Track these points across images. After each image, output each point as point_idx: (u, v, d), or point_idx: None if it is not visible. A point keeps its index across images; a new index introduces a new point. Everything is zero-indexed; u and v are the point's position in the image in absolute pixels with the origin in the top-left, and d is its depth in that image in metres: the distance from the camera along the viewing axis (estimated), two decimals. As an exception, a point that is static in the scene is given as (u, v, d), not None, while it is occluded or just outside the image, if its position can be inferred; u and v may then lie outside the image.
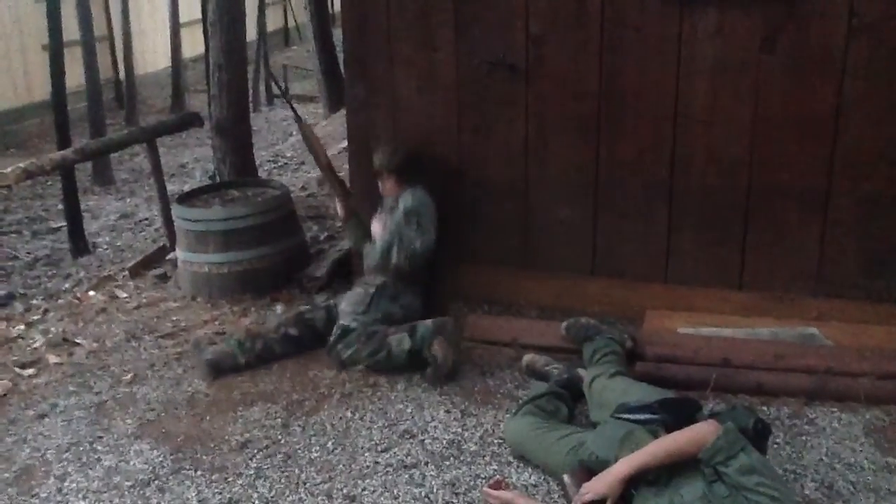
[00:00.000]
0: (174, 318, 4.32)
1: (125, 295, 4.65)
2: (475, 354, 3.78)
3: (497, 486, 2.77)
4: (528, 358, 3.60)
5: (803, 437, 3.09)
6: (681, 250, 3.93)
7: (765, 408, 3.25)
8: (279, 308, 4.36)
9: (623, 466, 2.43)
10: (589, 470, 2.62)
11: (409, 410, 3.35)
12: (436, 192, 3.96)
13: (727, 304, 3.91)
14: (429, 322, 3.70)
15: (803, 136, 3.62)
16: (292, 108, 4.78)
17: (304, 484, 2.92)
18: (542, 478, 2.88)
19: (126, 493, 2.92)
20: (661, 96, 3.75)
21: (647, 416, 2.66)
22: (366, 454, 3.08)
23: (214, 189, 4.97)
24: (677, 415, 2.64)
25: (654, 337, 3.67)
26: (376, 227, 3.94)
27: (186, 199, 4.76)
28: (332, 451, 3.11)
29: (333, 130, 10.57)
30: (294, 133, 10.00)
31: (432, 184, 3.98)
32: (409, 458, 3.04)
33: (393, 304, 3.83)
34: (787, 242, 3.77)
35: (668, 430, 2.54)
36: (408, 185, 3.93)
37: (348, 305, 3.81)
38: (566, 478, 2.65)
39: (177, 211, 4.62)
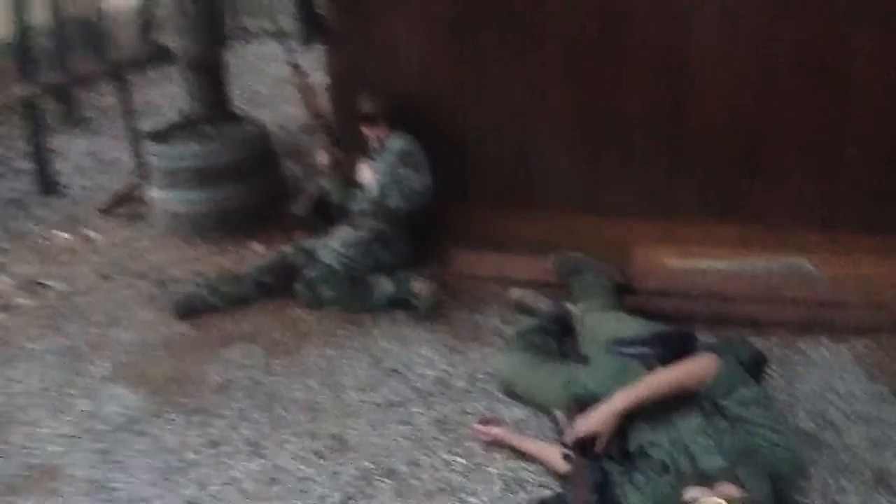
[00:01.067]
0: (148, 258, 4.18)
1: (96, 235, 4.48)
2: (461, 290, 3.68)
3: (486, 422, 2.70)
4: (515, 293, 3.51)
5: (795, 368, 3.05)
6: (677, 188, 3.84)
7: (756, 339, 3.18)
8: (257, 247, 4.22)
9: (618, 401, 2.35)
10: (582, 405, 2.55)
11: (393, 349, 3.26)
12: (428, 131, 3.81)
13: (720, 238, 3.82)
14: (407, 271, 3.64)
15: (807, 76, 3.53)
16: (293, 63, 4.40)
17: (289, 425, 2.83)
18: (533, 412, 2.81)
19: (103, 437, 2.82)
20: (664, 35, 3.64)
21: (643, 349, 2.58)
22: (350, 393, 2.99)
23: (189, 126, 4.77)
24: (672, 348, 2.56)
25: (645, 271, 3.59)
26: (366, 173, 3.75)
27: (160, 136, 4.56)
28: (316, 390, 3.02)
29: (309, 66, 10.32)
30: (267, 70, 9.72)
31: (425, 123, 3.83)
32: (395, 396, 2.96)
33: (384, 252, 3.71)
34: (785, 178, 3.69)
35: (664, 364, 2.47)
36: (396, 129, 3.79)
37: (340, 245, 3.67)
38: (558, 413, 2.57)
39: (150, 148, 4.43)
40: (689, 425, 2.25)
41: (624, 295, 3.39)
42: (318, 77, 4.62)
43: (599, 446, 2.35)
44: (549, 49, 3.79)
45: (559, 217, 3.99)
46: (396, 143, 3.74)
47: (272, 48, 11.01)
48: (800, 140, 3.65)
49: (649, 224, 3.90)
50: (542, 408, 2.78)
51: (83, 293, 3.85)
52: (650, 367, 2.47)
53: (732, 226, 3.81)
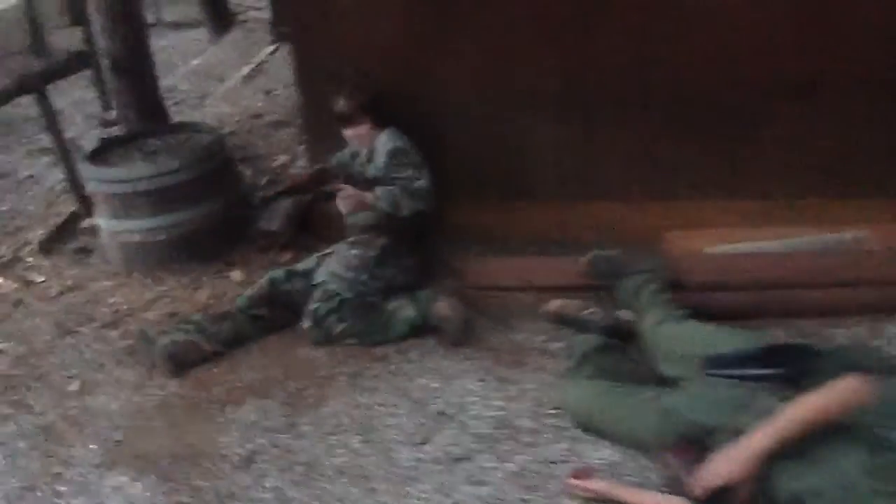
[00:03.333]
0: (112, 301, 3.59)
1: (42, 278, 3.85)
2: (485, 305, 3.25)
3: (581, 474, 2.30)
4: (554, 304, 3.11)
5: None
6: (686, 161, 3.48)
7: (835, 330, 2.88)
8: (235, 275, 3.69)
9: (759, 440, 1.97)
10: (691, 442, 2.18)
11: (434, 386, 2.82)
12: (399, 121, 3.33)
13: (742, 216, 3.50)
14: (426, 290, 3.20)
15: (814, 22, 3.17)
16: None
17: (340, 502, 2.37)
18: (625, 452, 2.42)
19: (113, 545, 2.31)
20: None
21: (759, 370, 2.22)
22: (401, 450, 2.54)
23: (128, 140, 4.16)
24: (792, 365, 2.21)
25: (690, 262, 3.24)
26: (351, 199, 3.15)
27: (99, 155, 3.94)
28: (360, 452, 2.55)
29: (226, 57, 9.60)
30: (181, 64, 8.96)
31: (390, 116, 3.35)
32: (455, 447, 2.53)
33: (396, 269, 3.24)
34: (800, 142, 3.37)
35: (790, 386, 2.12)
36: (381, 126, 3.29)
37: (344, 270, 3.19)
38: (666, 455, 2.20)
39: (91, 172, 3.82)
40: (851, 463, 1.90)
41: (673, 291, 3.03)
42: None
43: (741, 499, 1.98)
44: (529, 14, 3.34)
45: (558, 207, 3.61)
46: (385, 142, 3.26)
47: (173, 39, 10.26)
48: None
49: (665, 206, 3.54)
50: (635, 446, 2.40)
51: (43, 353, 3.25)
52: (781, 395, 2.10)
53: (754, 202, 3.48)
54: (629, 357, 2.75)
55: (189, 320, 3.19)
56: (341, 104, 3.24)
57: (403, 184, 3.15)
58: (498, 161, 3.58)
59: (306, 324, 3.10)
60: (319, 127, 3.61)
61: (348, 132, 3.30)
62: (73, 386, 3.02)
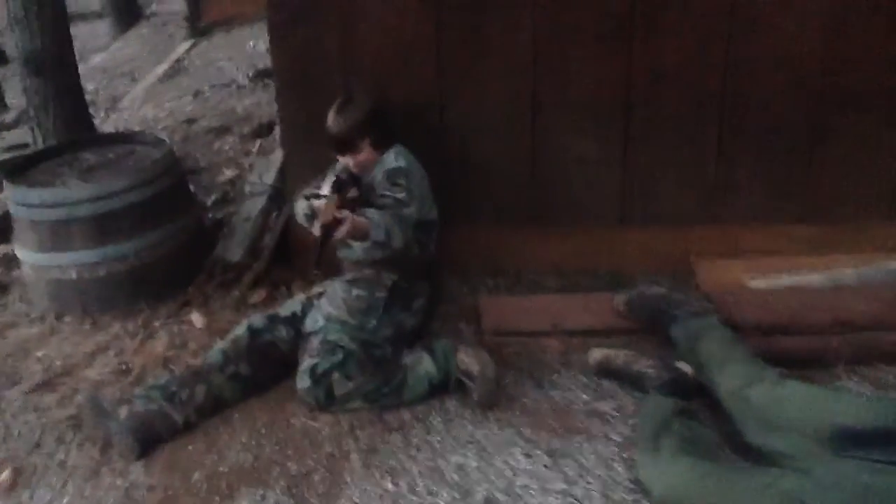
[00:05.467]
0: (41, 355, 2.92)
1: (-54, 326, 3.14)
2: (511, 355, 2.76)
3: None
4: (597, 355, 2.64)
5: None
6: (733, 180, 3.09)
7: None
8: (197, 318, 3.07)
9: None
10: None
11: (473, 464, 2.30)
12: (412, 138, 2.80)
13: (788, 241, 3.14)
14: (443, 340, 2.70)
15: (888, 30, 2.83)
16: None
17: None
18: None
19: None
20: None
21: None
22: (453, 556, 2.03)
23: (55, 154, 3.47)
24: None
25: (732, 298, 2.84)
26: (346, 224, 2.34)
27: (21, 174, 3.25)
28: (400, 560, 2.02)
29: (134, 54, 8.76)
30: (80, 61, 8.08)
31: (406, 125, 2.83)
32: (522, 550, 2.03)
33: (406, 312, 2.71)
34: (860, 161, 3.03)
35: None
36: (386, 146, 2.72)
37: (346, 314, 2.63)
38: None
39: (13, 193, 3.12)
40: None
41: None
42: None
43: None
44: (560, 20, 2.89)
45: (584, 233, 3.18)
46: (387, 162, 2.70)
47: (78, 30, 9.32)
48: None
49: (705, 231, 3.15)
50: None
51: (-42, 430, 2.57)
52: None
53: (803, 225, 3.13)
54: (708, 424, 2.31)
55: (153, 384, 2.56)
56: (333, 124, 2.66)
57: (392, 207, 2.57)
58: (521, 179, 3.09)
59: (303, 384, 2.53)
60: (302, 143, 3.04)
61: (346, 161, 2.72)
62: (4, 476, 2.35)
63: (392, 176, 2.64)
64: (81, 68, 7.42)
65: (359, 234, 2.40)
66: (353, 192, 2.58)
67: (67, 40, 4.13)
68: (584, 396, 2.56)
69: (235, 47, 7.55)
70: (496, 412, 2.50)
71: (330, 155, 2.79)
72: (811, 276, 3.00)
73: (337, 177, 2.57)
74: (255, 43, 7.43)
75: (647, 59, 2.90)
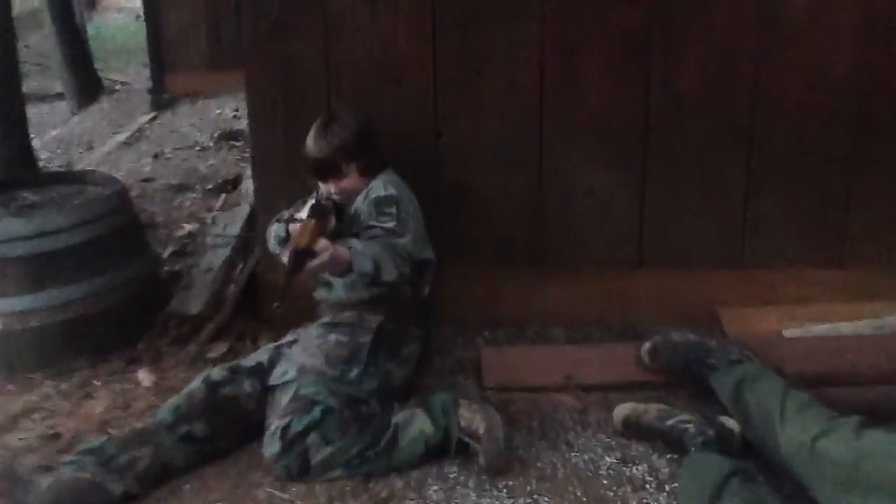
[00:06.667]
0: (-46, 419, 2.44)
1: None
2: (519, 413, 2.34)
3: None
4: (624, 410, 2.24)
5: None
6: (763, 220, 2.77)
7: None
8: (145, 376, 2.62)
9: None
10: None
11: (483, 542, 1.86)
12: (403, 166, 2.46)
13: (824, 288, 2.81)
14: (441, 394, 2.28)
15: None
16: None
17: None
18: None
19: None
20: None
21: None
22: None
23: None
24: None
25: (776, 345, 2.48)
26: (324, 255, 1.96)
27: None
28: None
29: (94, 126, 8.42)
30: (36, 136, 7.70)
31: (396, 152, 2.48)
32: None
33: (394, 360, 2.29)
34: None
35: None
36: (374, 172, 2.39)
37: (323, 363, 2.20)
38: None
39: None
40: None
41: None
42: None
43: None
44: (571, 33, 2.60)
45: (603, 276, 2.81)
46: (375, 189, 2.35)
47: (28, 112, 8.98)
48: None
49: (732, 276, 2.81)
50: None
51: None
52: None
53: (840, 271, 2.81)
54: (766, 486, 1.90)
55: (85, 447, 2.09)
56: (315, 145, 2.32)
57: (383, 237, 2.20)
58: (525, 217, 2.74)
59: (271, 449, 2.07)
60: (278, 172, 2.67)
61: (328, 186, 2.37)
62: None
63: (380, 204, 2.28)
64: (37, 142, 7.04)
65: (338, 266, 2.01)
66: (331, 223, 2.20)
67: (16, 83, 3.78)
68: (610, 459, 2.14)
69: (200, 114, 7.25)
70: (506, 479, 2.07)
71: (309, 183, 2.43)
72: (852, 325, 2.67)
73: (317, 200, 2.20)
74: (221, 110, 7.14)
75: (666, 82, 2.61)
